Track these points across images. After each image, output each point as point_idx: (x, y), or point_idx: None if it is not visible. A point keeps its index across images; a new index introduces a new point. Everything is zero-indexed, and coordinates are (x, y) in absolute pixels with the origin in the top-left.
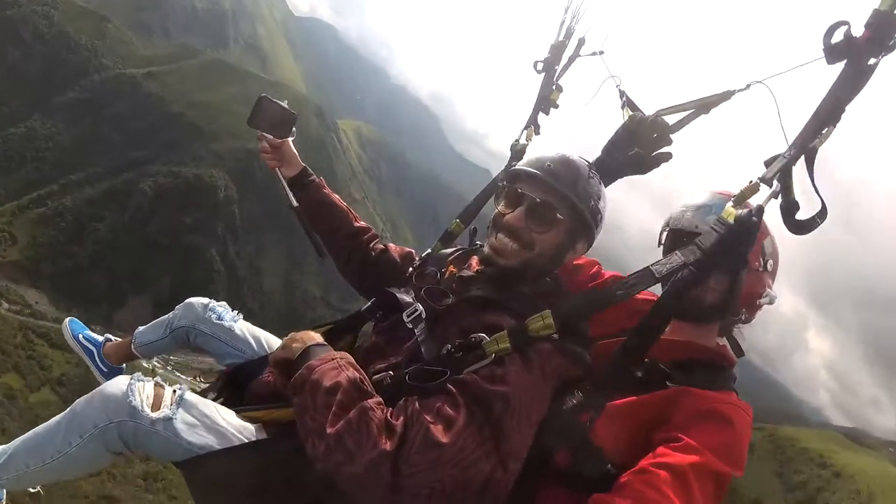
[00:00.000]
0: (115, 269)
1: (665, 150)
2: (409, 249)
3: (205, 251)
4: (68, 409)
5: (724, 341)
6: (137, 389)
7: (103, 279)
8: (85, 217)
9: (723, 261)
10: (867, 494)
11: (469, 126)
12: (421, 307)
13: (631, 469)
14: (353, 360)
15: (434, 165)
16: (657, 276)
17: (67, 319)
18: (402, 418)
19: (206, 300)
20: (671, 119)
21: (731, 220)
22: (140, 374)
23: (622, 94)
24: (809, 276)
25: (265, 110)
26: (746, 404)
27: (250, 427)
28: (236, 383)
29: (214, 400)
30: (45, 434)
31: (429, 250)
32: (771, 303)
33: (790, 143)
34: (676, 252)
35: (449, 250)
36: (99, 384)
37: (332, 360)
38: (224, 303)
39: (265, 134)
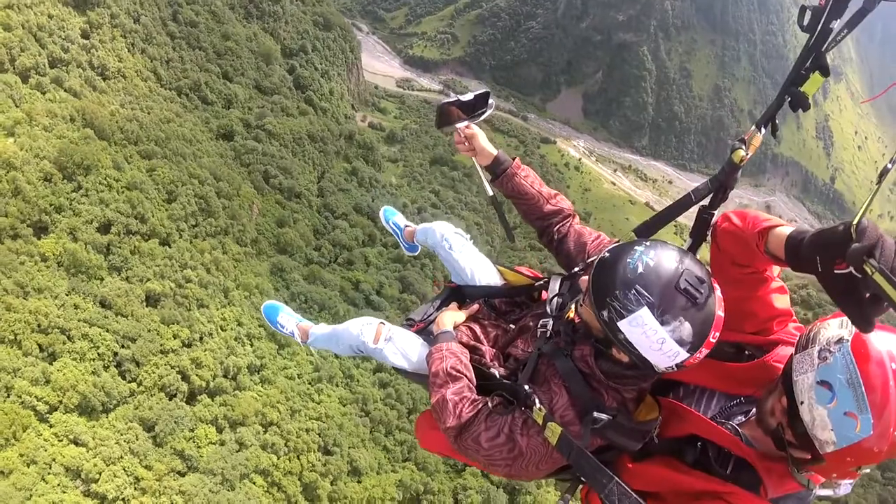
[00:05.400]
0: (550, 63)
1: None
2: (586, 238)
3: (636, 48)
4: (334, 330)
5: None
6: (366, 332)
7: (538, 72)
8: (520, 15)
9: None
10: None
11: None
12: (549, 327)
13: None
14: (457, 350)
15: None
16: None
17: (382, 208)
18: (473, 412)
19: (447, 230)
20: None
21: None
22: (371, 319)
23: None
24: None
25: (446, 113)
26: None
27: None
28: (457, 295)
29: (438, 308)
30: (327, 338)
31: (595, 257)
32: (834, 495)
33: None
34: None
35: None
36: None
37: (440, 350)
38: (461, 231)
39: (456, 126)
